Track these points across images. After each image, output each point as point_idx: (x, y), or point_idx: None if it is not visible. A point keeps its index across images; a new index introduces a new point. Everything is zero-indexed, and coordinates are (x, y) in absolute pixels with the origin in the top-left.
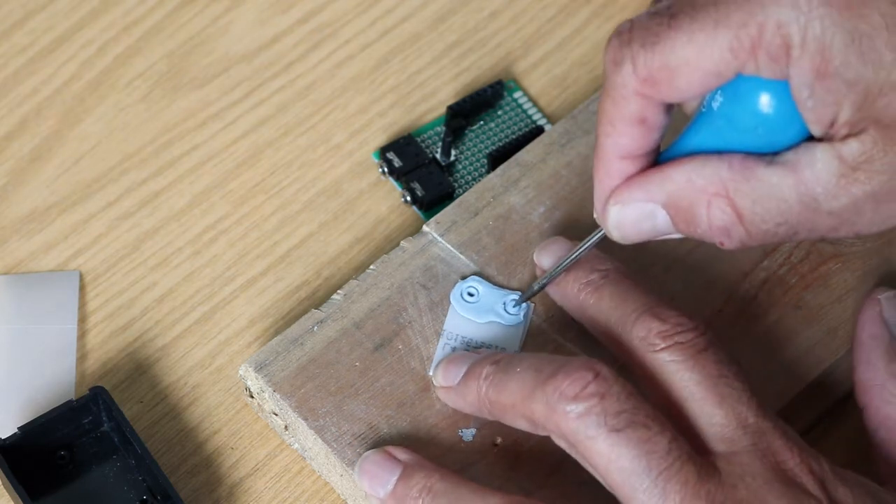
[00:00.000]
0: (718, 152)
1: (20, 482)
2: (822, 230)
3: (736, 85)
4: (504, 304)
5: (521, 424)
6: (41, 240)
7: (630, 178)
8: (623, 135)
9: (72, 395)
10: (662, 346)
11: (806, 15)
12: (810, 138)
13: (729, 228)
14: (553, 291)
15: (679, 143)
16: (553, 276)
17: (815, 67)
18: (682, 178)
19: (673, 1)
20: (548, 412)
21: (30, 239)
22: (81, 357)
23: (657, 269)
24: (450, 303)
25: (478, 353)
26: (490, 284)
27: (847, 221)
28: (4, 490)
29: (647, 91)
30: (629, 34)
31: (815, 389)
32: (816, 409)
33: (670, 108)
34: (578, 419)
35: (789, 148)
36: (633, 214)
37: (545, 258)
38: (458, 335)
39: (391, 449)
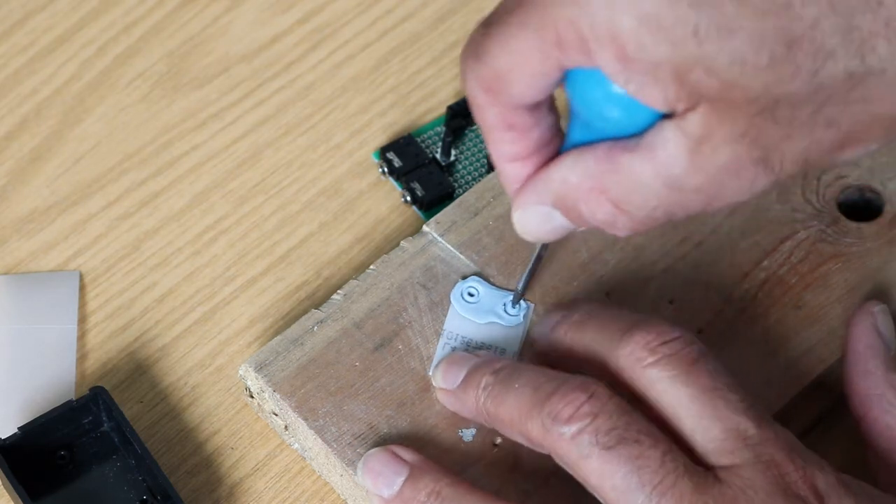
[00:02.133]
0: (591, 143)
1: (20, 482)
2: (695, 207)
3: (570, 78)
4: (504, 304)
5: (519, 440)
6: (41, 240)
7: (525, 182)
8: (500, 141)
9: (72, 395)
10: (651, 359)
11: (593, 5)
12: (666, 116)
13: (612, 220)
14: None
15: (566, 138)
16: (531, 271)
17: (616, 55)
18: (559, 178)
19: (493, 10)
20: (543, 434)
21: (30, 239)
22: (81, 357)
23: (657, 269)
24: (450, 303)
25: (478, 356)
26: (490, 285)
27: (715, 196)
28: (4, 490)
29: (492, 100)
30: (465, 48)
31: (815, 389)
32: (816, 409)
33: (539, 107)
34: (572, 440)
35: (649, 127)
36: (533, 218)
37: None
38: (458, 335)
39: (396, 448)
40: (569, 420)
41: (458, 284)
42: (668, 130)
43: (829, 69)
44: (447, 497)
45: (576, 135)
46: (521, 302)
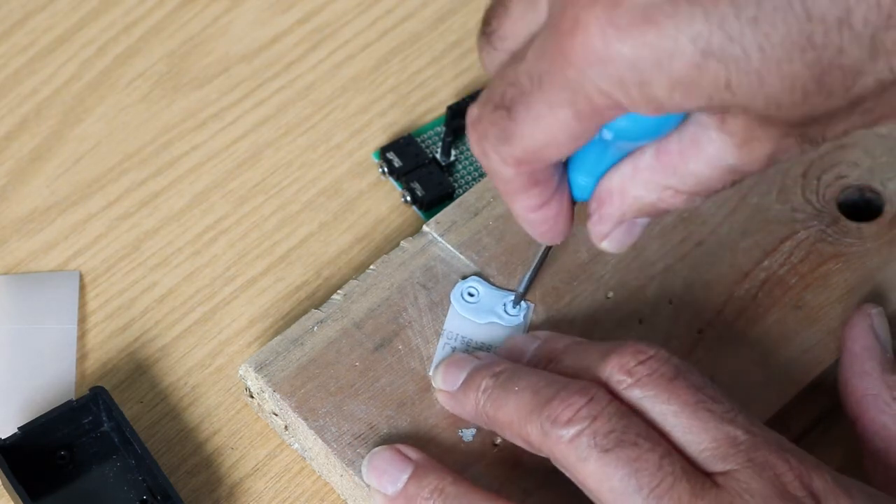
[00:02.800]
0: (606, 148)
1: (20, 482)
2: (756, 171)
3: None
4: (504, 304)
5: (519, 443)
6: (41, 240)
7: (595, 216)
8: (525, 198)
9: (72, 395)
10: (630, 381)
11: (622, 70)
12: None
13: (686, 202)
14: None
15: (592, 170)
16: (535, 271)
17: (654, 110)
18: (631, 197)
19: (503, 88)
20: (542, 437)
21: (30, 239)
22: (81, 357)
23: (657, 269)
24: (450, 303)
25: (478, 358)
26: (490, 285)
27: (771, 163)
28: (4, 490)
29: (523, 169)
30: (481, 128)
31: (814, 390)
32: (816, 410)
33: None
34: (570, 443)
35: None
36: (621, 237)
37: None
38: (458, 335)
39: (401, 447)
40: (567, 423)
41: (458, 284)
42: (711, 130)
43: (861, 84)
44: (450, 495)
45: (606, 162)
46: (521, 302)
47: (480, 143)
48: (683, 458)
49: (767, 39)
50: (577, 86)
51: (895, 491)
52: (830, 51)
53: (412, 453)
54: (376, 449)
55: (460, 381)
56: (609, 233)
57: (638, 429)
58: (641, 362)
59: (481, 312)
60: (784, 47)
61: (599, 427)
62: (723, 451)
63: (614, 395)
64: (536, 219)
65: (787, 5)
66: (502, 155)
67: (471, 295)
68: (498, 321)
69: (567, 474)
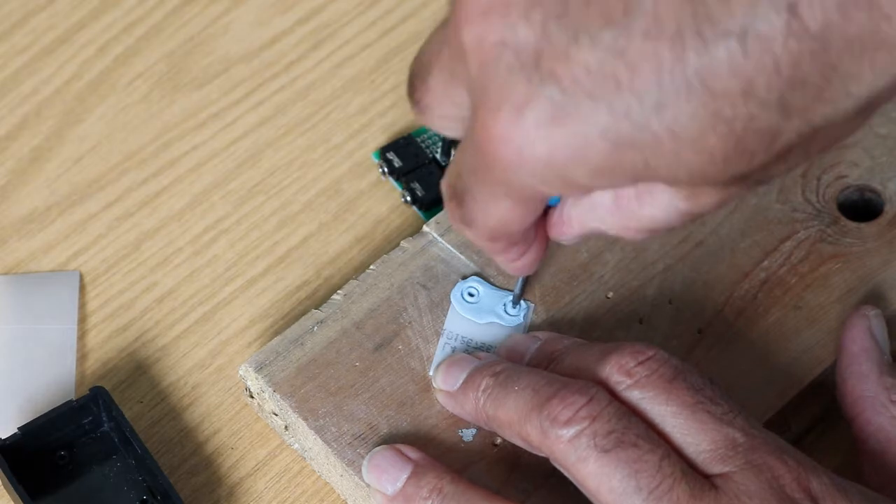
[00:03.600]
0: None
1: (20, 482)
2: (708, 211)
3: None
4: (504, 304)
5: (518, 442)
6: (41, 240)
7: (556, 225)
8: (507, 254)
9: (72, 395)
10: (629, 382)
11: (542, 170)
12: None
13: (641, 238)
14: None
15: None
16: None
17: (582, 194)
18: (591, 228)
19: (453, 180)
20: (541, 437)
21: (30, 239)
22: (81, 357)
23: (657, 269)
24: (450, 303)
25: (478, 358)
26: (490, 285)
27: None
28: (4, 490)
29: (497, 241)
30: (449, 210)
31: (815, 389)
32: (816, 410)
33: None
34: (569, 443)
35: None
36: (577, 239)
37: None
38: (458, 335)
39: (401, 447)
40: (567, 423)
41: (458, 284)
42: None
43: (782, 141)
44: (449, 494)
45: None
46: (521, 302)
47: (453, 222)
48: (682, 459)
49: (676, 122)
50: (508, 182)
51: (892, 492)
52: (741, 121)
53: (412, 453)
54: (376, 448)
55: (460, 382)
56: (567, 240)
57: (638, 430)
58: (641, 363)
59: (481, 312)
60: (694, 126)
61: (599, 427)
62: (721, 452)
63: (614, 396)
64: (518, 265)
65: (687, 87)
66: (472, 235)
67: (471, 295)
68: (498, 321)
69: (566, 474)
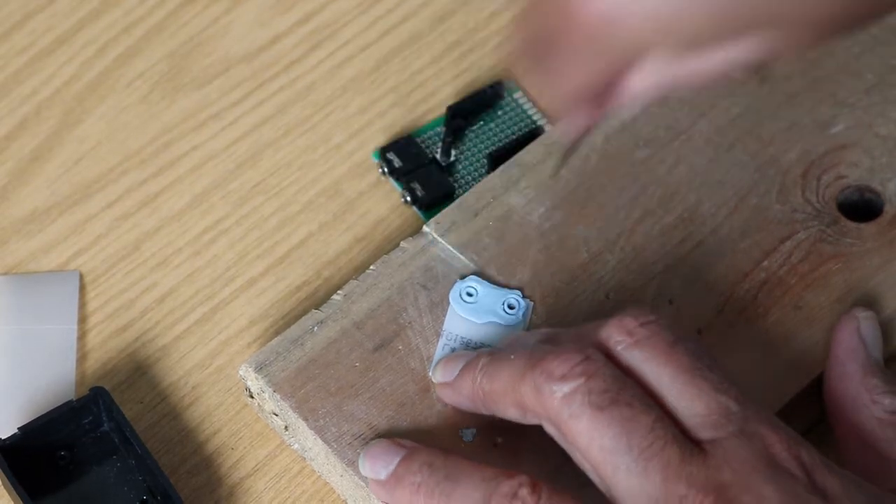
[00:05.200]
0: None
1: (20, 482)
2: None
3: None
4: (503, 303)
5: (512, 413)
6: (41, 240)
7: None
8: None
9: (72, 396)
10: (630, 341)
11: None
12: None
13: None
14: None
15: None
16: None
17: None
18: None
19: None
20: (536, 394)
21: (30, 239)
22: (81, 357)
23: (657, 269)
24: (449, 303)
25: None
26: (489, 284)
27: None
28: (4, 490)
29: (578, 98)
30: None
31: (815, 389)
32: (816, 409)
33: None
34: (563, 399)
35: None
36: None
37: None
38: (457, 336)
39: (396, 439)
40: (562, 378)
41: (456, 284)
42: None
43: None
44: (438, 466)
45: None
46: (521, 301)
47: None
48: (675, 424)
49: None
50: (606, 39)
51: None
52: None
53: (406, 443)
54: (373, 441)
55: (458, 370)
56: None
57: (633, 391)
58: (643, 324)
59: (480, 312)
60: None
61: (594, 385)
62: (714, 419)
63: (612, 359)
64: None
65: None
66: (550, 89)
67: (469, 295)
68: (497, 321)
69: (556, 434)
